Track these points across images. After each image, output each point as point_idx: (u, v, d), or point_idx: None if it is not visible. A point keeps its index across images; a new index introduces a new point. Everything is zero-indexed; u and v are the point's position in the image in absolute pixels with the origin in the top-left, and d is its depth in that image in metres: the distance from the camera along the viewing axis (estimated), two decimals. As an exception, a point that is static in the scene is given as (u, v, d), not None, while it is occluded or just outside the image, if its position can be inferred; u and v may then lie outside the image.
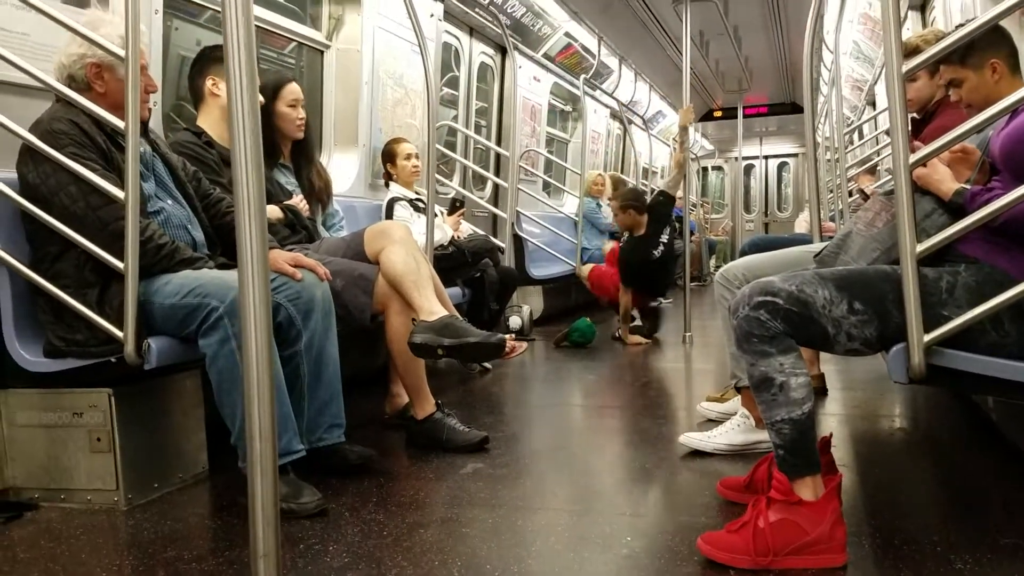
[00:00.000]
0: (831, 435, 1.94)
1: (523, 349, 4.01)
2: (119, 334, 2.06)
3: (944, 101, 2.93)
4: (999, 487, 2.27)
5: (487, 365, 4.13)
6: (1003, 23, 1.88)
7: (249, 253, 1.30)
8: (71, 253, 2.14)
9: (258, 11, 1.26)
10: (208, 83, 2.76)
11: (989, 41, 1.92)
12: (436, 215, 3.88)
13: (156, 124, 2.88)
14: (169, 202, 2.36)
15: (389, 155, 4.22)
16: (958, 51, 1.87)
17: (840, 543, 1.70)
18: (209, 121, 2.80)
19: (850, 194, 3.52)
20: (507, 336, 2.63)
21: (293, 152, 3.15)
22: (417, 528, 2.00)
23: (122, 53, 2.04)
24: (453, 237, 4.08)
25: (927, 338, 1.60)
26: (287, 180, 3.09)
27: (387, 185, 4.25)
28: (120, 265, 2.05)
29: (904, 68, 1.60)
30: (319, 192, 3.18)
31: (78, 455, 2.21)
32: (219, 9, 1.31)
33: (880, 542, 1.83)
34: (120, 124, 2.06)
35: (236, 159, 1.29)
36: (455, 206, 4.28)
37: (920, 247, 1.60)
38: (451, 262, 3.89)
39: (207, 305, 2.11)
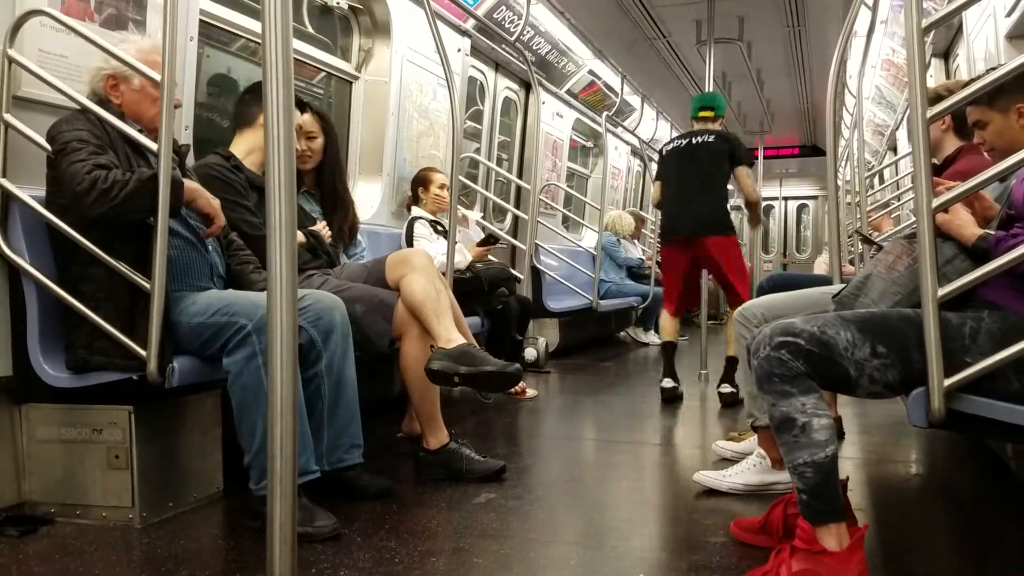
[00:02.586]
0: (847, 478, 1.92)
1: (532, 396, 4.06)
2: (142, 353, 2.09)
3: (964, 147, 2.95)
4: (1017, 535, 2.23)
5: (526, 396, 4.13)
6: None
7: (278, 277, 1.32)
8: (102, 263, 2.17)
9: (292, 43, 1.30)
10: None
11: (1017, 86, 1.93)
12: (456, 242, 3.90)
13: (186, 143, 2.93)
14: (193, 222, 2.39)
15: (422, 181, 4.30)
16: (986, 93, 1.87)
17: None
18: (248, 147, 2.84)
19: (866, 239, 3.49)
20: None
21: (323, 188, 3.17)
22: (428, 557, 2.00)
23: (152, 73, 2.10)
24: (472, 264, 4.12)
25: (948, 382, 1.59)
26: (311, 208, 3.13)
27: (409, 209, 4.31)
28: (147, 285, 2.08)
29: (929, 113, 1.61)
30: (343, 233, 3.16)
31: (95, 471, 2.22)
32: (255, 40, 1.34)
33: (896, 588, 1.81)
34: (153, 145, 2.11)
35: (271, 185, 1.32)
36: (488, 241, 4.31)
37: (942, 291, 1.59)
38: (467, 287, 3.91)
39: (235, 323, 2.14)
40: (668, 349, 4.46)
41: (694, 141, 4.38)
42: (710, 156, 4.31)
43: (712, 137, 4.36)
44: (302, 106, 3.05)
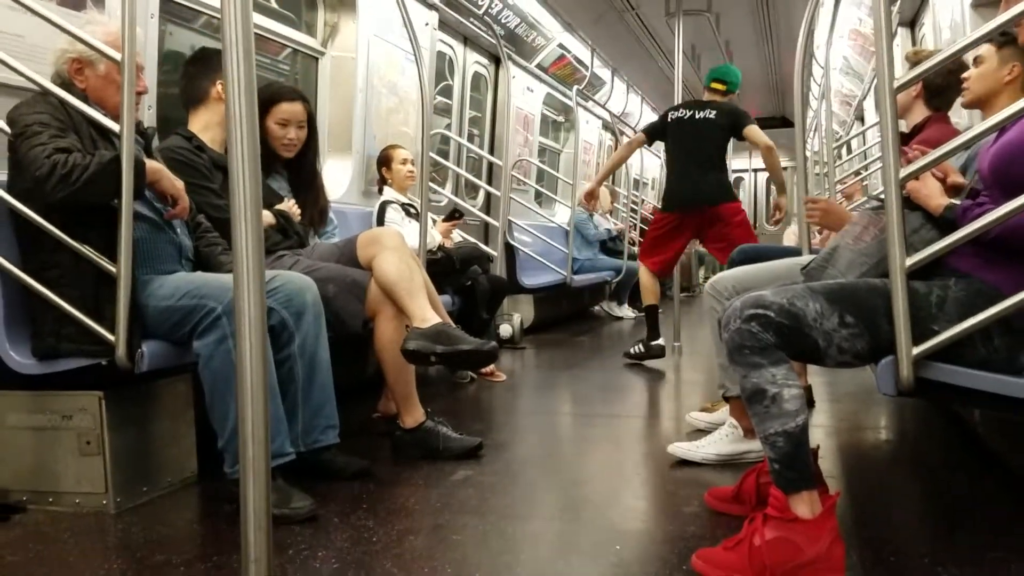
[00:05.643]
0: (818, 446, 1.95)
1: (501, 378, 4.06)
2: (110, 337, 2.06)
3: (932, 117, 2.98)
4: (985, 500, 2.28)
5: (473, 375, 4.13)
6: None
7: (245, 258, 1.31)
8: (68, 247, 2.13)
9: (254, 17, 1.27)
10: (217, 86, 2.74)
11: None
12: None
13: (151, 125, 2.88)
14: (158, 205, 2.35)
15: (385, 160, 4.27)
16: (1001, 34, 1.89)
17: (838, 562, 1.66)
18: (204, 124, 2.78)
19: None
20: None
21: (293, 169, 3.11)
22: (407, 535, 2.00)
23: (112, 53, 2.06)
24: (441, 244, 4.10)
25: (916, 351, 1.61)
26: (279, 185, 3.09)
27: (380, 191, 4.28)
28: (113, 269, 2.05)
29: (896, 83, 1.61)
30: (313, 217, 3.12)
31: (67, 458, 2.19)
32: (216, 15, 1.32)
33: (869, 554, 1.84)
34: (115, 127, 2.06)
35: (233, 165, 1.30)
36: (453, 216, 4.30)
37: (910, 261, 1.61)
38: (439, 268, 3.89)
39: (204, 306, 2.12)
40: (652, 312, 4.71)
41: (697, 116, 4.52)
42: (711, 133, 4.50)
43: (713, 113, 4.51)
44: (301, 97, 3.02)
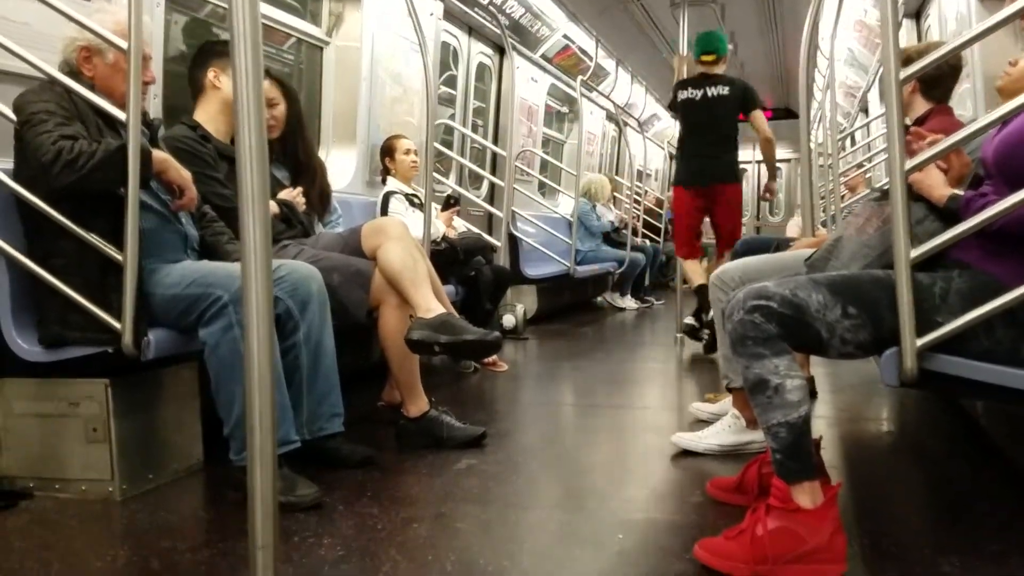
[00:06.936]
0: (820, 437, 1.96)
1: (503, 369, 4.07)
2: (117, 325, 2.07)
3: (934, 109, 2.97)
4: (986, 491, 2.29)
5: (477, 365, 4.14)
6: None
7: (252, 247, 1.31)
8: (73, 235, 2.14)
9: (261, 7, 1.26)
10: (210, 75, 2.75)
11: None
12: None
13: (157, 115, 2.88)
14: (165, 196, 2.36)
15: (388, 150, 4.28)
16: None
17: (840, 552, 1.67)
18: (207, 114, 2.79)
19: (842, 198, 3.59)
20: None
21: (290, 155, 3.12)
22: (411, 523, 2.02)
23: (119, 42, 2.06)
24: (445, 234, 4.11)
25: (920, 343, 1.62)
26: (282, 175, 3.10)
27: (384, 181, 4.29)
28: (119, 257, 2.06)
29: (902, 74, 1.61)
30: (312, 200, 3.13)
31: (73, 445, 2.20)
32: (221, 4, 1.31)
33: (869, 545, 1.85)
34: (121, 115, 2.07)
35: (241, 153, 1.30)
36: (449, 203, 4.31)
37: (914, 252, 1.61)
38: (443, 258, 3.90)
39: (211, 295, 2.13)
40: (703, 291, 4.71)
41: (709, 94, 4.65)
42: (726, 110, 4.64)
43: (726, 90, 4.64)
44: (266, 74, 3.02)
